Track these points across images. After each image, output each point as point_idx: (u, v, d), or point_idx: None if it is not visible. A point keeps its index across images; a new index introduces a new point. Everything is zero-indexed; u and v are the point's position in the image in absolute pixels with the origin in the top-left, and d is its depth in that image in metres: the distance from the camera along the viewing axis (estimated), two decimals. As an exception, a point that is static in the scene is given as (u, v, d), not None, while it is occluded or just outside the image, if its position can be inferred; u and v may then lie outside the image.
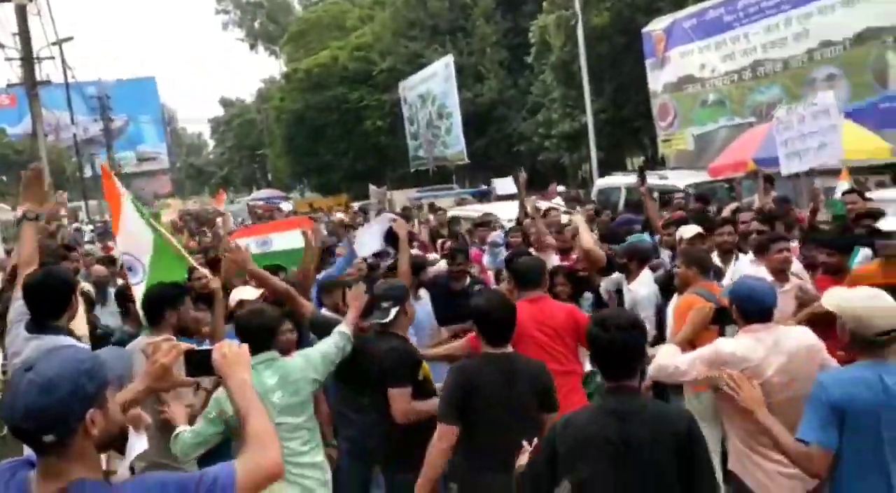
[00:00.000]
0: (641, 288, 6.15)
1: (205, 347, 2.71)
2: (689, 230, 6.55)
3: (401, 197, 25.84)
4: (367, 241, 7.05)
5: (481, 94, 30.13)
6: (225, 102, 73.34)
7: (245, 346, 2.45)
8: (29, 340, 3.69)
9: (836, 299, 3.21)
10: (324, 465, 4.12)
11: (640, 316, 5.88)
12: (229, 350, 2.41)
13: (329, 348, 4.26)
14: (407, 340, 4.64)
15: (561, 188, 20.66)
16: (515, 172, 9.53)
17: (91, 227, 29.09)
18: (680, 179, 14.66)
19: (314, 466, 4.00)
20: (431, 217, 14.16)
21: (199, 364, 2.49)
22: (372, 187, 26.94)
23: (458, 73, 26.53)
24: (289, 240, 7.09)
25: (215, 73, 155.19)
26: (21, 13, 24.51)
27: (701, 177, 15.30)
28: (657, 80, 19.32)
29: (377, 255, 7.61)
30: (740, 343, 3.59)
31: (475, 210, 14.99)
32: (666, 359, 3.69)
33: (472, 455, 3.69)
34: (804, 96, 15.46)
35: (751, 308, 3.64)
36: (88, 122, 60.87)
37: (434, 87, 27.82)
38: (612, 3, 22.82)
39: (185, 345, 2.63)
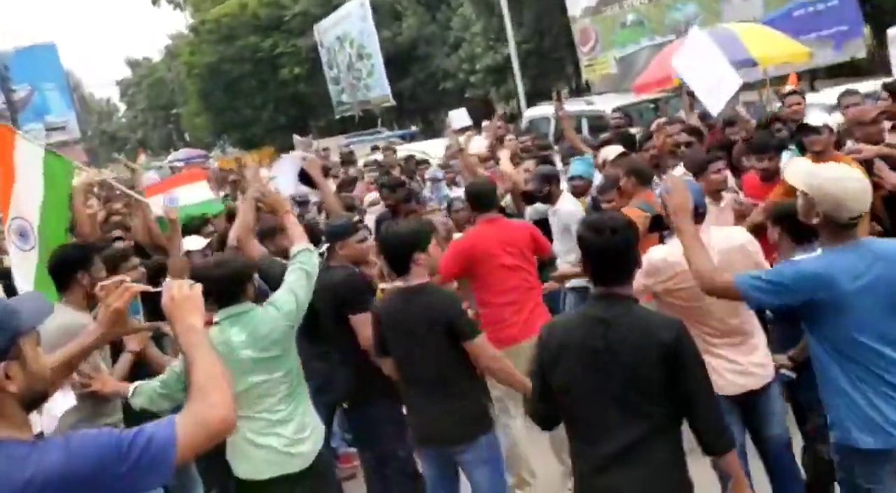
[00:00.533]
0: (564, 205, 6.14)
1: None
2: (612, 151, 6.40)
3: (329, 144, 25.42)
4: (281, 182, 6.70)
5: (400, 32, 29.63)
6: (131, 63, 70.38)
7: (198, 287, 2.27)
8: None
9: (804, 176, 2.99)
10: (307, 425, 3.72)
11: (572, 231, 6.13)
12: (178, 292, 2.21)
13: (296, 277, 3.77)
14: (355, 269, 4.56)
15: (486, 123, 20.61)
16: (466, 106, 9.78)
17: None
18: (606, 104, 14.72)
19: (284, 423, 3.61)
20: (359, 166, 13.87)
21: (158, 308, 2.29)
22: (296, 137, 26.34)
23: (375, 12, 25.89)
24: (195, 194, 6.82)
25: (118, 34, 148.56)
26: None
27: (628, 99, 15.42)
28: (576, 4, 19.24)
29: (300, 204, 7.49)
30: (672, 248, 3.52)
31: (409, 150, 14.89)
32: None
33: (401, 384, 3.90)
34: (720, 11, 15.69)
35: None
36: (-11, 94, 58.06)
37: (350, 28, 27.12)
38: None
39: (138, 286, 2.47)
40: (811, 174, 2.98)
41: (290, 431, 3.63)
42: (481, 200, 5.01)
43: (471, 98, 27.05)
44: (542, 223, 6.18)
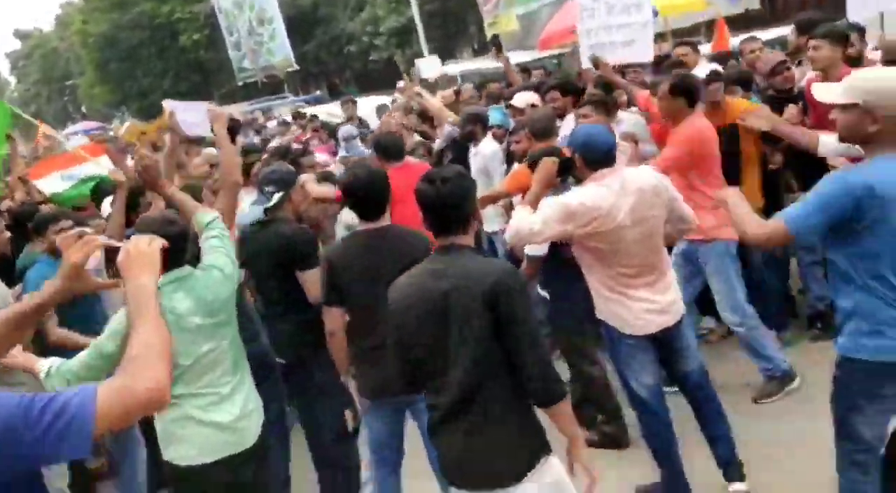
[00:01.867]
0: (486, 147, 6.38)
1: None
2: (522, 98, 6.46)
3: (232, 110, 24.75)
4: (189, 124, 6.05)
5: (301, -6, 28.91)
6: (21, 34, 67.04)
7: (158, 242, 2.12)
8: None
9: (859, 84, 2.78)
10: (252, 398, 3.37)
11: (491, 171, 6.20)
12: (134, 248, 2.07)
13: (222, 242, 3.42)
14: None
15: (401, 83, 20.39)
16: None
17: None
18: (511, 60, 14.74)
19: (231, 396, 3.25)
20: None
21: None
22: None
23: (272, -26, 25.18)
24: (95, 168, 6.46)
25: (5, 4, 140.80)
26: None
27: (531, 56, 15.49)
28: (477, -37, 19.04)
29: None
30: (588, 192, 3.52)
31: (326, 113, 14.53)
32: (519, 222, 3.60)
33: (355, 335, 3.72)
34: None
35: (592, 155, 3.59)
36: None
37: (249, -9, 26.31)
38: None
39: (101, 240, 2.25)
40: (867, 79, 2.83)
41: (237, 405, 3.26)
42: (390, 150, 5.52)
43: (375, 60, 26.74)
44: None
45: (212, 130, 4.48)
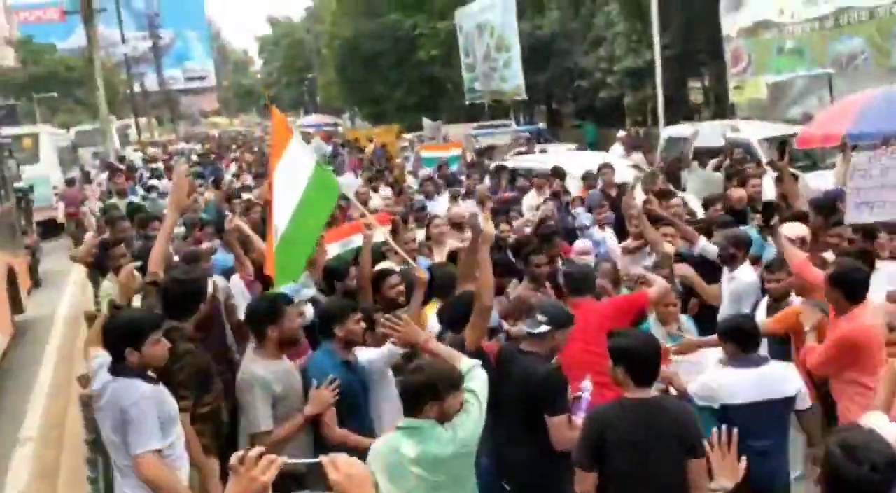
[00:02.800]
0: (744, 275, 6.10)
1: (306, 461, 2.12)
2: (792, 230, 6.15)
3: (455, 131, 25.51)
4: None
5: (541, 26, 29.25)
6: (272, 21, 72.58)
7: (363, 465, 2.10)
8: None
9: None
10: None
11: (742, 307, 5.93)
12: (351, 468, 2.04)
13: (476, 405, 3.47)
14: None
15: (621, 133, 20.06)
16: None
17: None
18: (754, 133, 14.15)
19: None
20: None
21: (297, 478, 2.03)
22: (426, 120, 26.68)
23: (518, 4, 25.70)
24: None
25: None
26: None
27: (776, 130, 14.79)
28: (732, 24, 18.52)
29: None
30: None
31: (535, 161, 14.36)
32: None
33: None
34: (891, 51, 14.80)
35: None
36: (137, 38, 60.94)
37: (492, 17, 27.02)
38: (684, -66, 21.76)
39: (282, 460, 2.07)
40: None
41: None
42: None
43: (604, 98, 26.59)
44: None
45: None
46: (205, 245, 7.21)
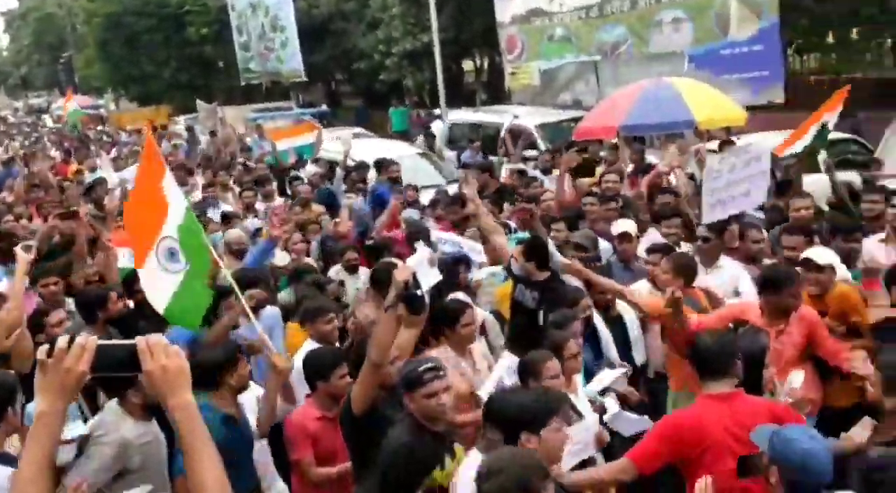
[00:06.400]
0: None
1: (123, 342, 1.93)
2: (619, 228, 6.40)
3: (233, 113, 24.30)
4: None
5: (317, 5, 28.62)
6: (18, -8, 65.72)
7: (176, 349, 1.87)
8: None
9: None
10: None
11: None
12: (167, 358, 1.83)
13: None
14: None
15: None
16: None
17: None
18: (530, 118, 14.60)
19: None
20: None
21: (114, 362, 1.85)
22: (200, 103, 25.19)
23: (292, -18, 24.97)
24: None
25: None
26: None
27: (550, 116, 15.38)
28: (505, 11, 19.07)
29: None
30: None
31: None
32: None
33: None
34: (649, 39, 15.83)
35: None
36: None
37: (265, -4, 26.09)
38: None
39: (94, 340, 1.86)
40: None
41: None
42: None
43: (384, 80, 26.52)
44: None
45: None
46: None
